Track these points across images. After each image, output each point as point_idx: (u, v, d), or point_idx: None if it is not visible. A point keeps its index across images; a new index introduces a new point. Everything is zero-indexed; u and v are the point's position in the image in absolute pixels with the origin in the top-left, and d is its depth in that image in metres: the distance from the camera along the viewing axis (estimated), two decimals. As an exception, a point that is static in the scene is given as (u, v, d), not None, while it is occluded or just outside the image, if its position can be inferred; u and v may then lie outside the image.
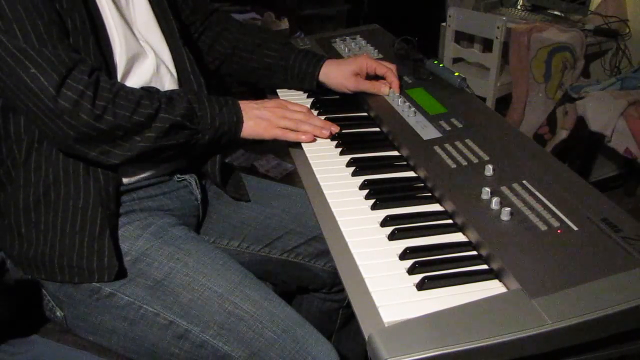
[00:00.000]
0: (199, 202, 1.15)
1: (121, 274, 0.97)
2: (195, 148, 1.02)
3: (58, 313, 1.01)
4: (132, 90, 0.95)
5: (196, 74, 1.12)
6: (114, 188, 1.00)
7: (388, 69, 1.25)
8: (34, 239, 0.97)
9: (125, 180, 1.03)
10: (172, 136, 0.96)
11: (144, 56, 1.04)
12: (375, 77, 1.27)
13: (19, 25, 0.85)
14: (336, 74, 1.25)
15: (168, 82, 1.08)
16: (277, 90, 1.35)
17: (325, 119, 1.16)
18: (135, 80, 1.02)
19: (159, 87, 1.05)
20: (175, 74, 1.09)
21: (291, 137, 1.09)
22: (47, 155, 0.96)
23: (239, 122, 1.03)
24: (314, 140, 1.10)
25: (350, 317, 1.38)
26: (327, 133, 1.11)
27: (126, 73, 1.01)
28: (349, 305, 1.34)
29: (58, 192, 0.96)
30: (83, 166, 0.97)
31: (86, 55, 0.93)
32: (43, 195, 0.96)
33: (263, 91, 1.41)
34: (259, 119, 1.05)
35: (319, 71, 1.25)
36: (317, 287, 1.30)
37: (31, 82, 0.85)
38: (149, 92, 0.97)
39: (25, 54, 0.85)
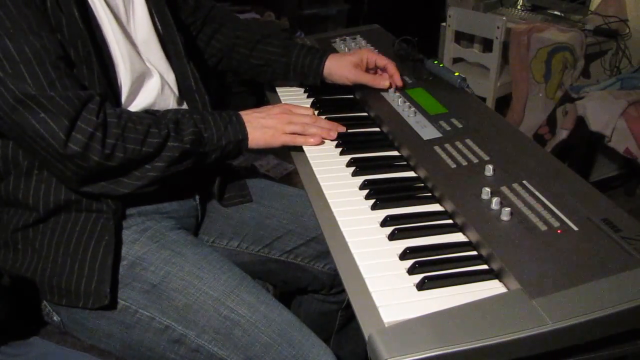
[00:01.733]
0: (198, 202, 1.15)
1: (111, 305, 0.95)
2: (200, 166, 1.01)
3: (55, 317, 1.01)
4: (139, 119, 0.92)
5: (201, 92, 1.11)
6: (122, 213, 0.99)
7: (389, 61, 1.25)
8: (28, 256, 0.97)
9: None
10: (181, 163, 0.95)
11: (149, 76, 1.02)
12: (377, 74, 1.27)
13: (27, 68, 0.82)
14: (337, 66, 1.25)
15: (172, 101, 1.07)
16: (277, 89, 1.35)
17: (325, 119, 1.16)
18: (140, 101, 1.01)
19: (163, 106, 1.04)
20: (177, 92, 1.08)
21: (300, 141, 1.08)
22: (48, 181, 0.94)
23: (244, 139, 1.02)
24: (322, 143, 1.10)
25: (349, 318, 1.38)
26: (334, 135, 1.10)
27: (131, 95, 0.99)
28: (347, 307, 1.34)
29: (58, 218, 0.96)
30: (86, 197, 0.95)
31: (91, 82, 0.91)
32: (43, 219, 0.95)
33: (263, 90, 1.41)
34: (265, 128, 1.04)
35: (323, 66, 1.25)
36: (316, 288, 1.30)
37: (41, 128, 0.83)
38: (155, 117, 0.95)
39: (34, 100, 0.83)
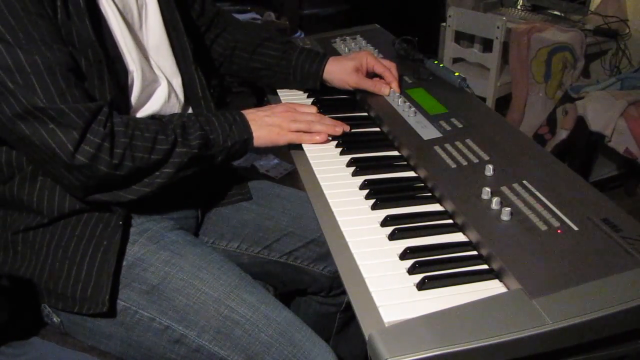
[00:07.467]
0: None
1: (111, 313, 0.94)
2: (206, 169, 1.01)
3: (55, 319, 1.00)
4: (146, 126, 0.92)
5: (207, 99, 1.11)
6: (124, 221, 0.99)
7: (386, 69, 1.24)
8: (27, 258, 0.97)
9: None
10: (189, 168, 0.95)
11: (157, 83, 1.03)
12: (377, 75, 1.26)
13: (37, 79, 0.82)
14: (338, 70, 1.24)
15: (178, 108, 1.07)
16: (278, 90, 1.35)
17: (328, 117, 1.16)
18: (147, 107, 1.01)
19: (169, 113, 1.04)
20: (182, 99, 1.08)
21: (305, 139, 1.08)
22: (52, 187, 0.94)
23: (249, 139, 1.02)
24: (328, 140, 1.10)
25: (348, 321, 1.38)
26: (340, 130, 1.10)
27: (140, 102, 1.00)
28: (346, 309, 1.34)
29: (62, 223, 0.95)
30: (93, 205, 0.95)
31: (102, 91, 0.91)
32: (46, 224, 0.95)
33: (263, 90, 1.41)
34: (270, 127, 1.04)
35: (323, 70, 1.25)
36: (315, 290, 1.30)
37: (49, 139, 0.83)
38: (162, 122, 0.95)
39: (44, 112, 0.82)
